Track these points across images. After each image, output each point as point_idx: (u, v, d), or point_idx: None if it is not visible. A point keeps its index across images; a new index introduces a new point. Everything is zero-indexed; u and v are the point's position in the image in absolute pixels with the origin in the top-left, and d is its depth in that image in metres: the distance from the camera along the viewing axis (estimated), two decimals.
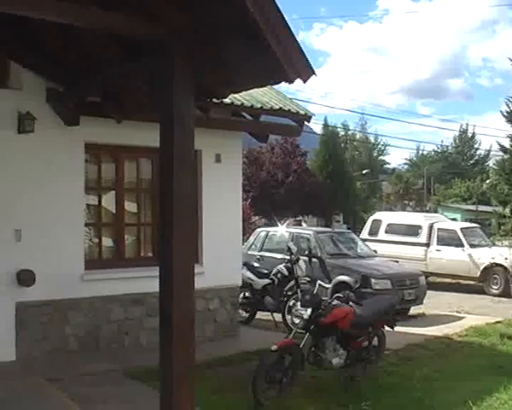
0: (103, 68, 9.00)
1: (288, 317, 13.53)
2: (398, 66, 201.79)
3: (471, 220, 39.26)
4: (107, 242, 11.97)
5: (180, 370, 6.85)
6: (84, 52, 9.23)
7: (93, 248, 11.77)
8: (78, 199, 11.21)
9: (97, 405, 8.63)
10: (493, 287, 23.23)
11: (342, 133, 76.83)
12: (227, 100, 10.85)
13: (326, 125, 58.40)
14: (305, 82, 6.77)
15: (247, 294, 15.69)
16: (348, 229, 34.56)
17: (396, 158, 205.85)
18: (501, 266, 22.94)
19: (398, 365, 11.36)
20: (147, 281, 10.79)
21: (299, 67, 6.66)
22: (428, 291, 18.75)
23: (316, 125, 58.86)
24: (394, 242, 25.60)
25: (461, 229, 25.29)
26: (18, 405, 8.44)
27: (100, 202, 11.84)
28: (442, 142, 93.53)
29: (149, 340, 11.52)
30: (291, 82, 6.76)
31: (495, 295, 22.56)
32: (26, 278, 10.47)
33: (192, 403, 7.00)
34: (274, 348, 9.15)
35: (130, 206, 12.20)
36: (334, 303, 10.01)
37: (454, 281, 25.19)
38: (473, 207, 60.83)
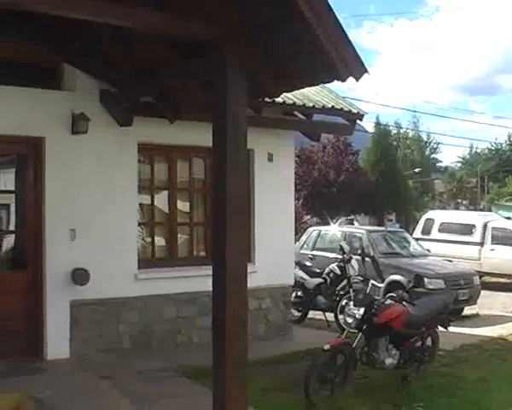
0: (156, 69, 9.06)
1: (341, 316, 13.46)
2: (450, 63, 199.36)
3: None
4: (159, 241, 12.05)
5: (233, 369, 6.86)
6: (137, 53, 9.31)
7: (146, 248, 11.86)
8: (132, 199, 11.30)
9: (150, 403, 8.68)
10: None
11: (394, 131, 76.24)
12: (279, 99, 10.84)
13: (378, 124, 58.01)
14: (357, 80, 6.73)
15: (299, 293, 15.66)
16: (401, 228, 34.27)
17: (449, 156, 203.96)
18: None
19: (452, 365, 11.22)
20: (199, 280, 10.86)
21: (352, 65, 6.63)
22: (482, 291, 18.47)
23: (368, 124, 58.47)
24: (447, 241, 25.33)
25: None
26: (72, 402, 8.54)
27: (153, 201, 11.92)
28: (496, 139, 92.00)
29: (201, 339, 11.58)
30: (343, 80, 6.73)
31: None
32: (80, 276, 10.58)
33: (245, 402, 7.01)
34: (326, 347, 9.12)
35: (183, 205, 12.25)
36: (387, 303, 9.92)
37: (509, 281, 24.74)
38: None
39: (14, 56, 10.53)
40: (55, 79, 11.00)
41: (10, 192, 11.18)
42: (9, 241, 11.33)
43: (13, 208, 11.29)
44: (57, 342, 10.58)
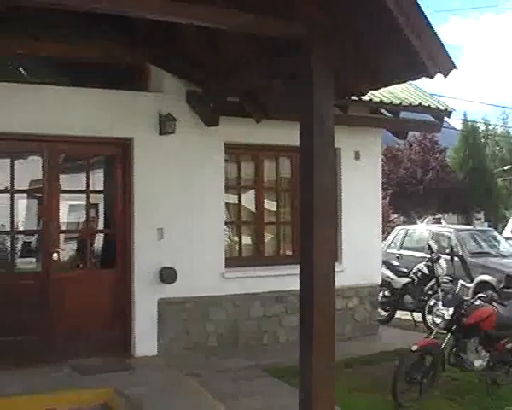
0: (242, 69, 9.08)
1: (429, 317, 13.27)
2: None
3: None
4: (246, 240, 12.10)
5: (320, 368, 6.83)
6: (224, 53, 9.36)
7: (233, 247, 11.94)
8: (219, 198, 11.38)
9: (236, 400, 8.70)
10: None
11: (482, 128, 74.82)
12: (365, 97, 10.74)
13: (465, 121, 57.01)
14: (445, 76, 6.61)
15: (386, 293, 15.51)
16: (489, 227, 33.62)
17: None
18: None
19: None
20: (286, 279, 10.86)
21: (440, 61, 6.52)
22: None
23: (455, 121, 57.51)
24: None
25: None
26: (159, 398, 8.63)
27: (239, 200, 11.98)
28: None
29: (288, 337, 11.60)
30: (431, 77, 6.61)
31: None
32: (167, 275, 10.71)
33: (332, 402, 6.98)
34: (414, 348, 9.01)
35: (270, 204, 12.28)
36: (476, 303, 9.73)
37: None
38: None
39: (102, 59, 10.74)
40: (143, 80, 11.16)
41: (99, 192, 11.41)
42: (98, 240, 11.54)
43: (101, 208, 11.52)
44: (145, 340, 10.74)
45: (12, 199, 10.31)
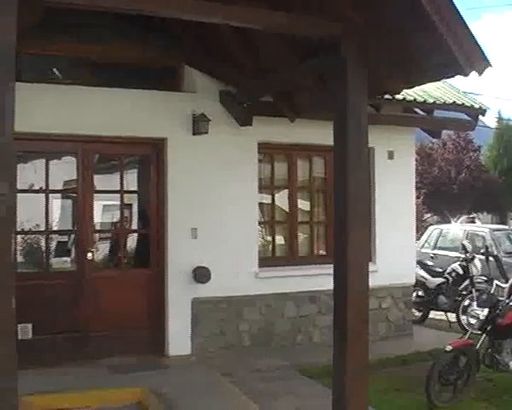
0: (277, 68, 9.09)
1: (463, 317, 13.15)
2: None
3: None
4: (280, 240, 12.10)
5: (354, 369, 6.81)
6: (258, 53, 9.37)
7: (266, 247, 11.94)
8: (252, 198, 11.39)
9: (270, 401, 8.69)
10: None
11: None
12: (399, 96, 10.69)
13: (500, 119, 56.50)
14: (480, 74, 6.54)
15: (420, 293, 15.41)
16: None
17: None
18: None
19: None
20: (319, 279, 10.87)
21: (475, 59, 6.45)
22: None
23: (489, 119, 57.03)
24: None
25: None
26: (193, 397, 8.66)
27: (273, 200, 11.97)
28: None
29: (321, 337, 11.61)
30: (466, 75, 6.55)
31: None
32: (201, 274, 10.74)
33: (365, 402, 6.96)
34: (448, 348, 8.93)
35: (303, 204, 12.26)
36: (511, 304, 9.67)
37: None
38: None
39: (136, 59, 10.80)
40: (176, 80, 11.22)
41: (133, 192, 11.46)
42: (132, 239, 11.60)
43: (135, 208, 11.57)
44: (179, 339, 10.79)
45: (47, 199, 10.41)
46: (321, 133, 9.41)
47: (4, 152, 5.33)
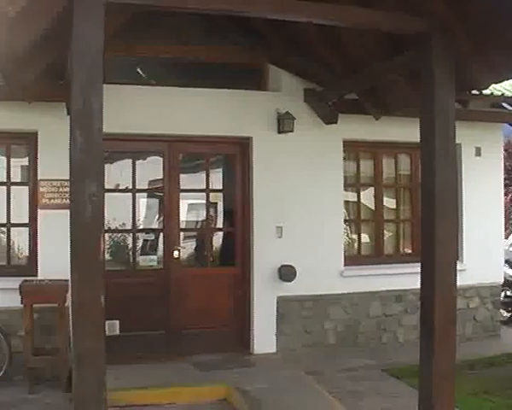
0: (362, 66, 9.02)
1: None
2: None
3: None
4: (365, 238, 12.02)
5: (441, 369, 6.71)
6: (344, 50, 9.30)
7: (352, 245, 11.87)
8: (338, 196, 11.34)
9: (355, 400, 8.64)
10: None
11: None
12: (486, 91, 10.48)
13: None
14: None
15: (508, 292, 15.09)
16: None
17: None
18: None
19: None
20: (406, 278, 10.74)
21: None
22: None
23: None
24: None
25: None
26: (279, 395, 8.66)
27: (359, 198, 11.91)
28: None
29: (407, 337, 11.50)
30: None
31: None
32: (286, 273, 10.74)
33: (452, 404, 6.84)
34: None
35: (389, 202, 12.15)
36: None
37: None
38: None
39: (222, 59, 10.87)
40: (261, 79, 11.26)
41: (218, 191, 11.53)
42: (218, 238, 11.68)
43: (220, 207, 11.64)
44: (264, 337, 10.81)
45: (134, 198, 10.57)
46: (407, 130, 9.28)
47: (93, 152, 5.43)
